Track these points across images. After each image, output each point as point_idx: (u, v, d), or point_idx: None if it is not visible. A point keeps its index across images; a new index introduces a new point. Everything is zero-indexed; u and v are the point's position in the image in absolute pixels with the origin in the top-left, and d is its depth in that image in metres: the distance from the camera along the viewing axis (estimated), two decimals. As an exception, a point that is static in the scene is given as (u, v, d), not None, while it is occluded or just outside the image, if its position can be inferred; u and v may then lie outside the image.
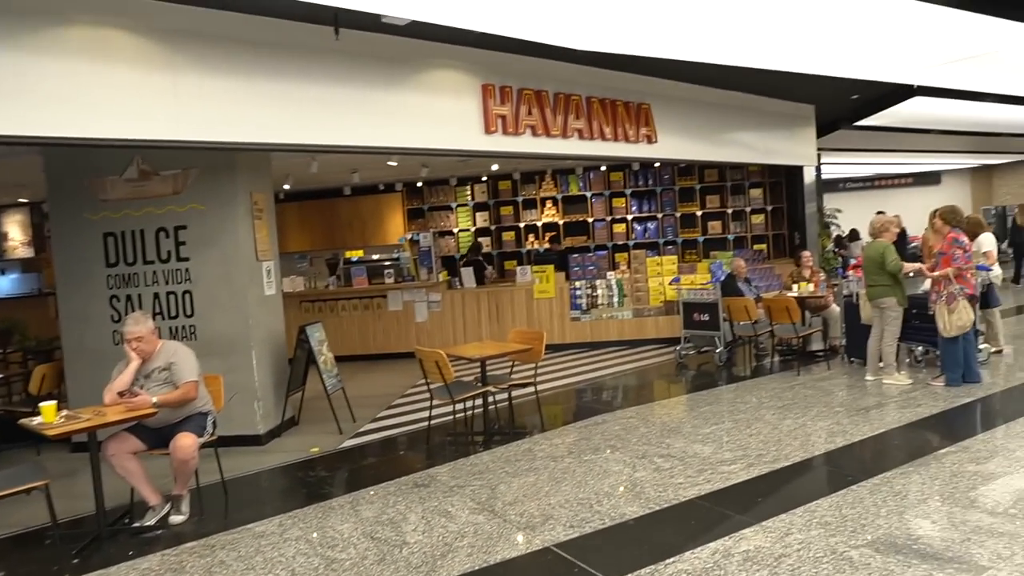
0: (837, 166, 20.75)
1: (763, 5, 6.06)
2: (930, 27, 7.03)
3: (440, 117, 7.08)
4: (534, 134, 7.86)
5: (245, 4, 5.62)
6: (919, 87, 10.09)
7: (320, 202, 13.55)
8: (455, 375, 6.03)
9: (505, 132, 7.57)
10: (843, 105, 11.76)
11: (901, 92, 10.51)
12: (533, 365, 6.73)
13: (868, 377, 7.41)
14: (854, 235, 16.38)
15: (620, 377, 8.76)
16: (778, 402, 6.82)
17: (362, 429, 6.95)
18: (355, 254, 12.85)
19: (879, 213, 8.49)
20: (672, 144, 9.48)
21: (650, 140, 9.12)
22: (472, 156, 8.62)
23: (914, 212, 16.51)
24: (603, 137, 8.57)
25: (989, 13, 6.81)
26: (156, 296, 6.86)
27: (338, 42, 5.98)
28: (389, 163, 10.48)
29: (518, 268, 11.47)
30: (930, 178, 26.29)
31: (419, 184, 13.63)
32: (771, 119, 11.20)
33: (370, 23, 6.06)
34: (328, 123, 6.29)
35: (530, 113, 7.76)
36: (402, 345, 10.87)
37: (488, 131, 7.43)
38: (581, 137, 8.32)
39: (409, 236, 12.54)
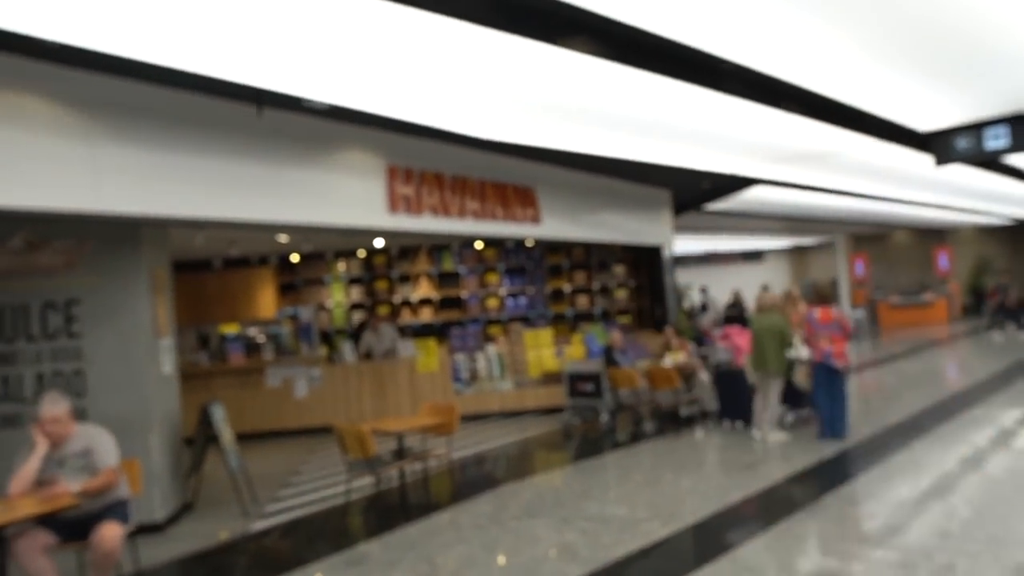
0: (681, 244, 22.56)
1: (629, 107, 6.85)
2: (776, 129, 8.15)
3: (350, 196, 7.30)
4: (434, 214, 8.22)
5: (169, 78, 5.66)
6: (759, 178, 11.44)
7: (188, 275, 13.07)
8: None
9: (409, 211, 7.88)
10: (695, 191, 13.04)
11: (744, 181, 11.85)
12: (446, 437, 6.90)
13: (756, 435, 8.18)
14: (704, 307, 17.81)
15: (514, 447, 9.05)
16: (670, 463, 7.37)
17: (270, 509, 6.77)
18: (231, 328, 12.45)
19: (764, 289, 9.39)
20: (554, 224, 10.16)
21: (535, 220, 9.73)
22: (378, 233, 8.84)
23: (743, 286, 18.18)
24: (495, 217, 9.07)
25: (827, 121, 8.01)
26: (40, 376, 6.44)
27: (259, 120, 6.12)
28: (278, 238, 10.42)
29: (399, 343, 11.57)
30: (755, 256, 29.06)
31: (293, 259, 13.51)
32: (635, 202, 12.24)
33: (291, 104, 6.24)
34: (245, 198, 6.36)
35: (431, 194, 8.12)
36: (280, 423, 10.62)
37: (393, 210, 7.71)
38: (476, 217, 8.77)
39: (288, 311, 12.36)
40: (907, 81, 7.07)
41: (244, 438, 10.39)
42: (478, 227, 8.92)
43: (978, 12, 5.47)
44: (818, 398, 7.99)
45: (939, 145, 9.03)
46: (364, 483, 6.75)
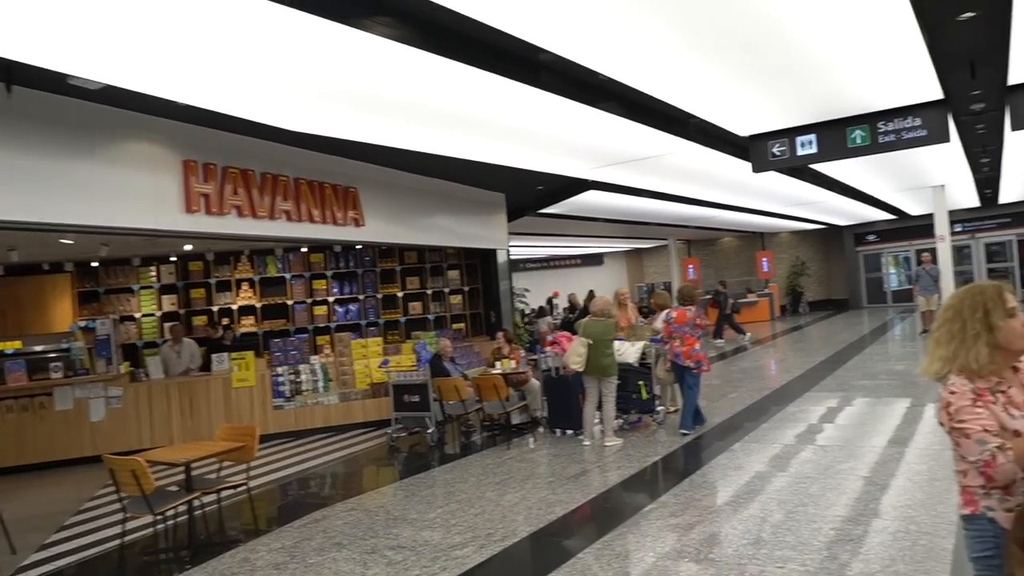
0: (520, 248, 22.59)
1: (445, 101, 6.49)
2: (602, 131, 8.05)
3: (135, 193, 6.46)
4: (240, 214, 7.48)
5: None
6: (592, 181, 11.44)
7: (-41, 286, 11.43)
8: (155, 483, 5.31)
9: (208, 212, 7.10)
10: (530, 194, 12.91)
11: (577, 185, 11.82)
12: (246, 464, 6.19)
13: (586, 442, 8.04)
14: (542, 312, 17.79)
15: (334, 465, 8.42)
16: (495, 478, 7.03)
17: (26, 562, 5.76)
18: (10, 345, 10.95)
19: (591, 295, 9.34)
20: (378, 228, 9.62)
21: (357, 223, 9.15)
22: (171, 236, 7.92)
23: (582, 289, 18.39)
24: (311, 219, 8.43)
25: (652, 126, 8.00)
26: None
27: (10, 100, 5.20)
28: (62, 241, 9.21)
29: (213, 355, 10.61)
30: (595, 259, 29.69)
31: (94, 264, 12.14)
32: (468, 205, 11.90)
33: (55, 84, 5.37)
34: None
35: (236, 192, 7.39)
36: (73, 451, 9.40)
37: (190, 210, 6.92)
38: (289, 219, 8.10)
39: (83, 323, 11.03)
40: (727, 84, 7.11)
41: (27, 470, 9.17)
42: (292, 230, 8.24)
43: (791, 20, 5.50)
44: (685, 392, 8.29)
45: (757, 151, 9.29)
46: (145, 522, 5.92)
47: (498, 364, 9.69)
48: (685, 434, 8.03)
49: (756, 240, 27.17)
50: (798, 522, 5.07)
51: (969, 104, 8.57)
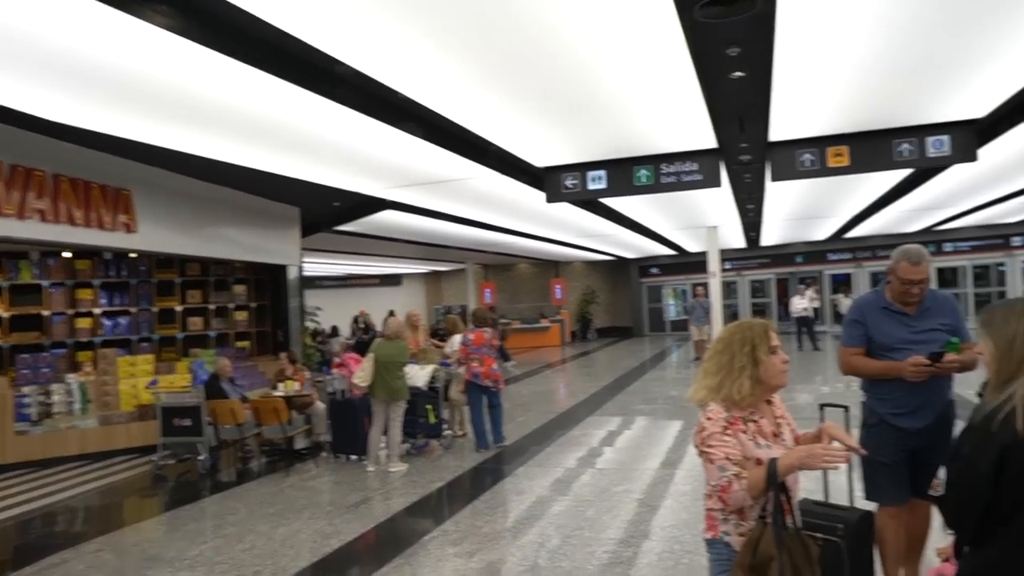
0: (316, 265, 21.86)
1: (231, 103, 6.11)
2: (402, 151, 7.94)
3: None
4: (-22, 210, 6.50)
5: None
6: (391, 201, 11.27)
7: None
8: None
9: (-65, 205, 6.10)
10: (326, 210, 12.47)
11: (375, 203, 11.58)
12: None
13: (370, 468, 7.77)
14: (335, 331, 17.25)
15: (87, 498, 7.50)
16: (270, 508, 6.58)
17: None
18: None
19: (391, 314, 9.12)
20: (154, 235, 8.82)
21: (129, 229, 8.34)
22: None
23: (381, 309, 18.13)
24: (72, 221, 7.54)
25: (452, 150, 8.00)
26: None
27: None
28: None
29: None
30: (394, 280, 29.43)
31: None
32: (259, 217, 11.27)
33: None
34: None
35: (-27, 185, 6.41)
36: None
37: (-91, 201, 5.90)
38: (44, 219, 7.19)
39: None
40: (524, 118, 7.27)
41: None
42: (47, 232, 7.32)
43: (584, 63, 5.70)
44: (474, 414, 8.54)
45: (551, 183, 9.60)
46: None
47: (280, 386, 9.17)
48: (501, 445, 8.56)
49: (551, 268, 28.25)
50: (574, 546, 5.16)
51: (738, 155, 9.41)
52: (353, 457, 8.32)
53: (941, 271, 22.73)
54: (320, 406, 9.08)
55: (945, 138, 8.15)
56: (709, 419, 2.46)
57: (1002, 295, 21.75)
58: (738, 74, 6.28)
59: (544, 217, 13.95)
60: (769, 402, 2.59)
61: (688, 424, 9.40)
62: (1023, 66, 6.42)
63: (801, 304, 18.66)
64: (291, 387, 9.08)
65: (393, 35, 4.92)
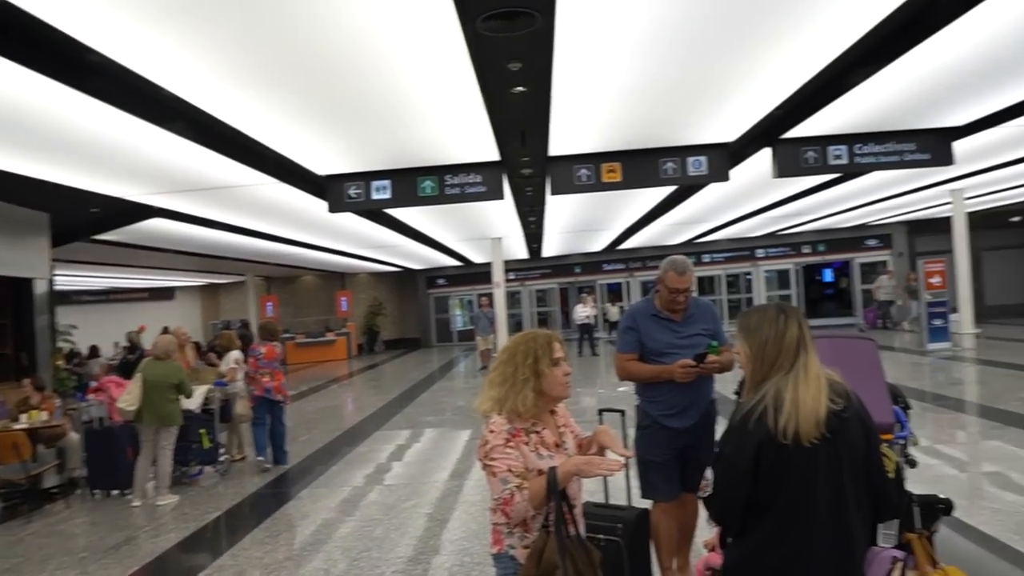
0: (73, 278, 19.64)
1: None
2: (170, 153, 7.31)
3: None
4: None
5: None
6: (159, 208, 10.36)
7: None
8: None
9: None
10: (82, 216, 11.20)
11: (141, 210, 10.58)
12: None
13: (135, 503, 7.07)
14: (94, 352, 15.57)
15: None
16: (5, 563, 5.72)
17: None
18: None
19: (165, 331, 8.37)
20: None
21: None
22: None
23: (155, 326, 16.64)
24: None
25: (226, 154, 7.49)
26: None
27: None
28: None
29: None
30: (165, 293, 27.23)
31: None
32: (-5, 224, 9.87)
33: None
34: None
35: None
36: None
37: None
38: None
39: None
40: (301, 123, 6.97)
41: None
42: None
43: (366, 70, 5.56)
44: (258, 431, 8.24)
45: (333, 192, 9.31)
46: None
47: (23, 417, 8.05)
48: (271, 466, 8.23)
49: (336, 279, 27.55)
50: (362, 569, 4.98)
51: (520, 168, 9.70)
52: (115, 492, 7.50)
53: (700, 280, 25.01)
54: (74, 437, 8.08)
55: (703, 158, 8.93)
56: (492, 432, 2.44)
57: (750, 301, 24.41)
58: (520, 89, 6.44)
59: (328, 227, 13.53)
60: (553, 411, 2.61)
61: (477, 433, 9.46)
62: (763, 99, 7.21)
63: (584, 312, 19.65)
64: (37, 417, 7.99)
65: (151, 24, 4.48)
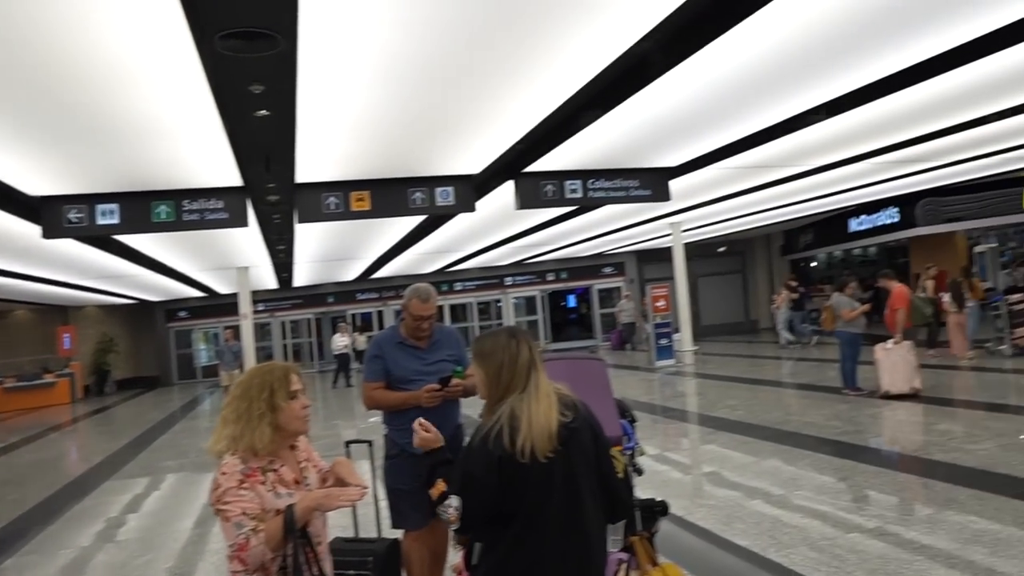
0: None
1: None
2: None
3: None
4: None
5: None
6: None
7: None
8: None
9: None
10: None
11: None
12: None
13: None
14: None
15: None
16: None
17: None
18: None
19: None
20: None
21: None
22: None
23: None
24: None
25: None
26: None
27: None
28: None
29: None
30: None
31: None
32: None
33: None
34: None
35: None
36: None
37: None
38: None
39: None
40: (4, 138, 6.18)
41: None
42: None
43: (88, 81, 5.07)
44: None
45: (50, 216, 8.35)
46: None
47: None
48: None
49: (57, 314, 24.53)
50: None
51: (266, 195, 9.33)
52: None
53: (453, 307, 25.64)
54: None
55: (450, 189, 9.22)
56: (224, 474, 2.31)
57: (500, 326, 25.42)
58: (263, 112, 6.21)
59: (44, 255, 12.02)
60: (293, 447, 2.53)
61: (222, 475, 8.88)
62: (505, 134, 7.63)
63: (343, 342, 19.27)
64: None
65: None
